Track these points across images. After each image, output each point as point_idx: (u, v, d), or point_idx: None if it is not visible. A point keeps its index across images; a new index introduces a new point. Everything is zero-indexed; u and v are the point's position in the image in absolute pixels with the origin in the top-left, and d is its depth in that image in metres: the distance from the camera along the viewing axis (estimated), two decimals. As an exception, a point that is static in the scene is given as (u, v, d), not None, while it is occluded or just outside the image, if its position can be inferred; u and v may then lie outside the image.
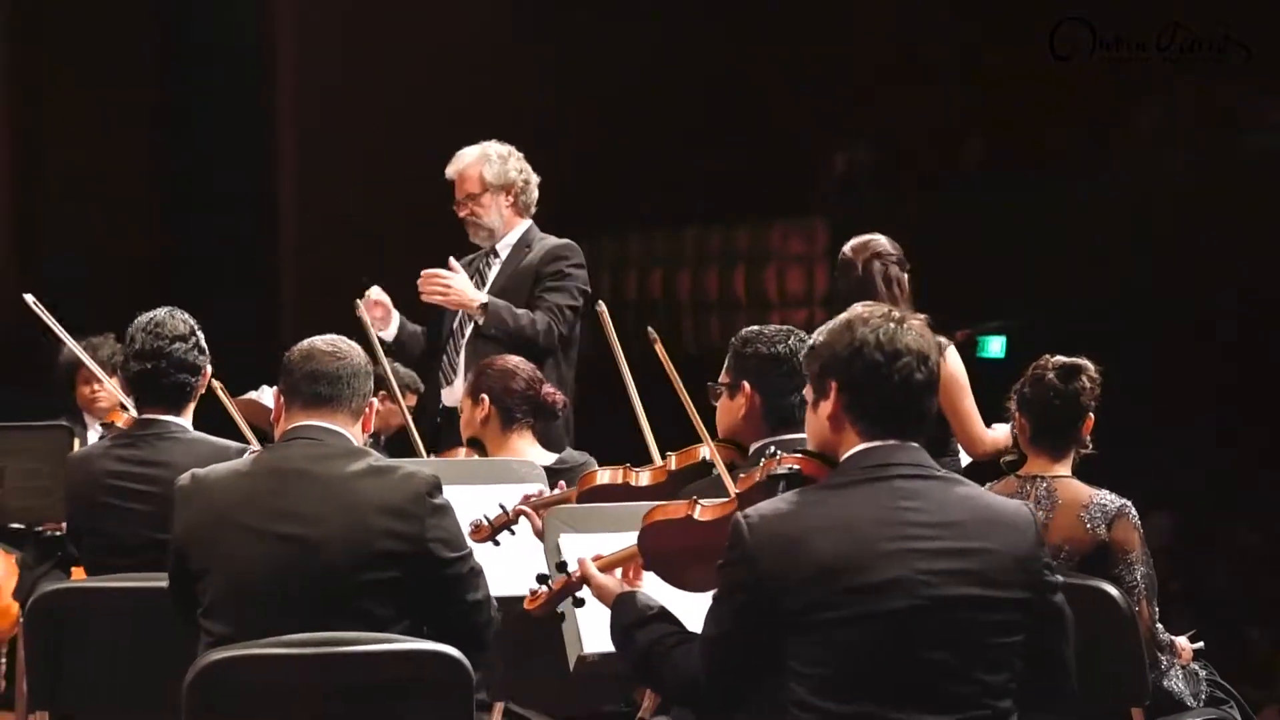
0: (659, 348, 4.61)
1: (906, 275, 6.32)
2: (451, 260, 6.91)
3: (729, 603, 3.47)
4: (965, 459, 6.25)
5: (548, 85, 11.26)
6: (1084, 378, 5.23)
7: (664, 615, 3.73)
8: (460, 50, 11.14)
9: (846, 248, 6.43)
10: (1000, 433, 6.21)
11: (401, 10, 11.23)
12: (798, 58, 10.74)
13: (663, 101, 11.12)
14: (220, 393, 5.90)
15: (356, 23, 11.37)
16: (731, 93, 11.10)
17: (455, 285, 6.79)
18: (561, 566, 4.01)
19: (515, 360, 6.12)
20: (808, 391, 3.63)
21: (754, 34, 10.94)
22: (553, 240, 7.03)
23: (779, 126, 10.76)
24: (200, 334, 5.34)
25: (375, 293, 6.92)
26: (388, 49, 11.23)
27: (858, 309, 3.59)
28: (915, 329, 3.54)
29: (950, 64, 10.27)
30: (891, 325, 3.52)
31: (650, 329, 4.57)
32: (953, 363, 6.09)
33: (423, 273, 6.83)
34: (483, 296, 6.79)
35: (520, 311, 6.76)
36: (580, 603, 4.00)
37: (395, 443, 8.35)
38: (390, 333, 6.95)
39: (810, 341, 3.64)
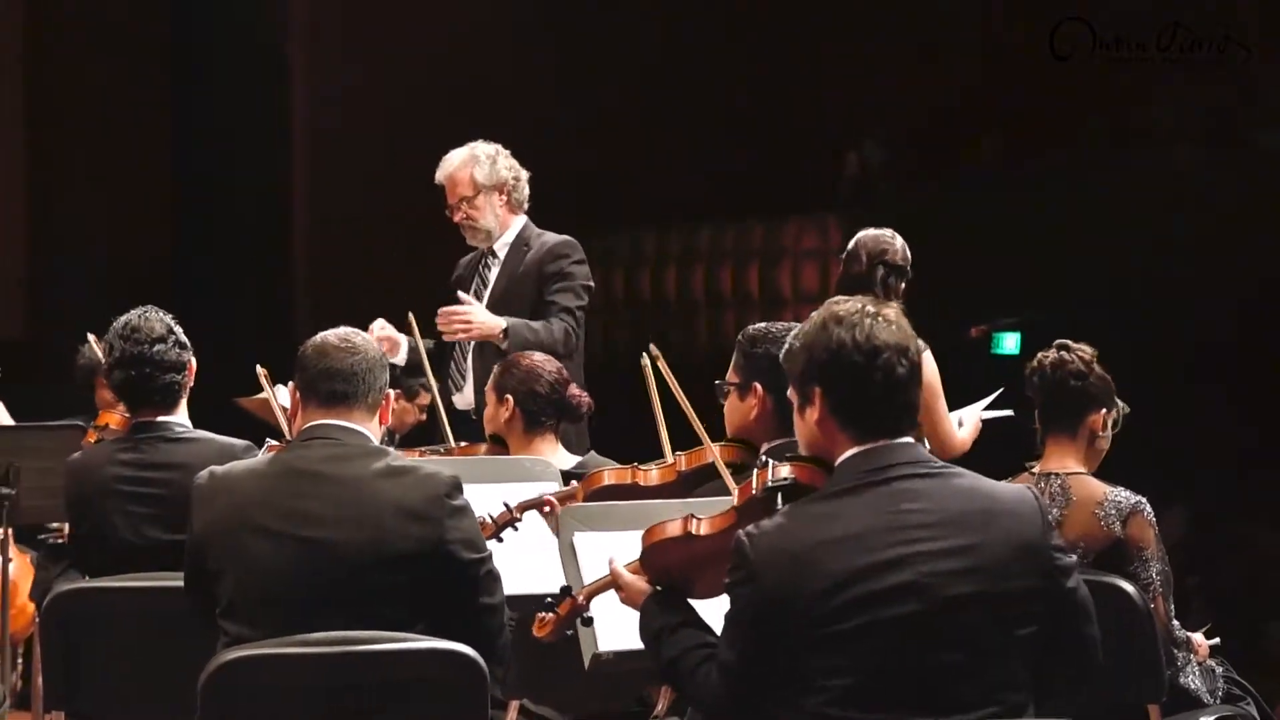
0: (662, 364, 4.58)
1: (904, 285, 6.28)
2: (461, 294, 6.89)
3: (739, 624, 3.45)
4: None
5: (561, 82, 11.26)
6: (1064, 354, 5.22)
7: (692, 622, 3.70)
8: (471, 46, 11.15)
9: (863, 236, 6.38)
10: (966, 431, 6.20)
11: (412, 7, 11.24)
12: (811, 54, 10.74)
13: (676, 99, 11.12)
14: (265, 381, 5.92)
15: (367, 20, 11.38)
16: (744, 90, 11.10)
17: (476, 319, 6.79)
18: (565, 590, 4.01)
19: (540, 359, 6.05)
20: (792, 395, 3.59)
21: (767, 31, 10.94)
22: (552, 237, 7.00)
23: (793, 123, 10.77)
24: (178, 330, 5.32)
25: (378, 329, 6.91)
26: (398, 46, 11.24)
27: (831, 307, 3.55)
28: (892, 320, 3.50)
29: (963, 62, 10.27)
30: (867, 321, 3.47)
31: (648, 351, 4.54)
32: (927, 366, 6.02)
33: (440, 311, 6.81)
34: (502, 322, 6.77)
35: (537, 325, 6.73)
36: (589, 622, 4.00)
37: (409, 441, 8.35)
38: (400, 359, 6.94)
39: (787, 345, 3.60)
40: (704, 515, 3.78)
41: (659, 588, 3.79)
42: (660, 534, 3.80)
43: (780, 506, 3.54)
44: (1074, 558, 3.53)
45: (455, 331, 6.80)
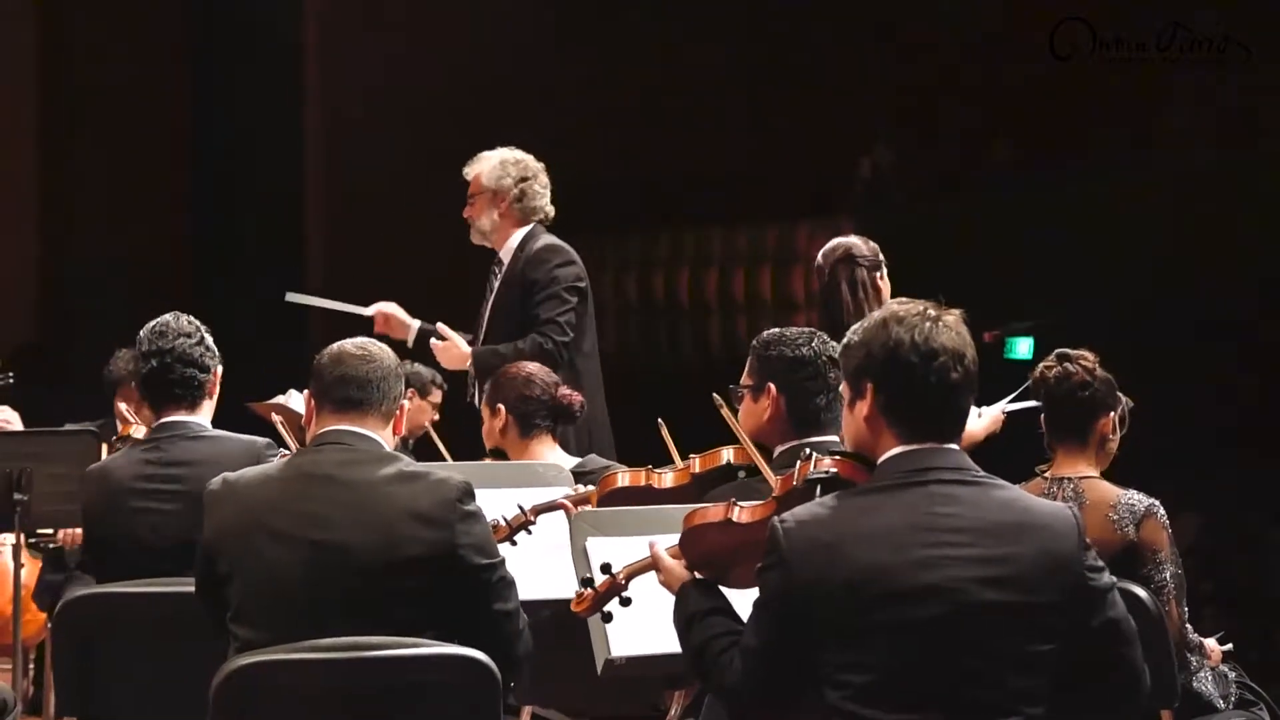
0: (725, 412, 4.57)
1: (881, 276, 6.25)
2: (441, 327, 6.97)
3: (767, 610, 3.45)
4: None
5: (576, 83, 11.26)
6: (1068, 365, 5.22)
7: (723, 610, 3.70)
8: (488, 47, 11.16)
9: (819, 253, 6.41)
10: (974, 425, 6.18)
11: (431, 9, 11.25)
12: (823, 57, 10.74)
13: (690, 102, 11.12)
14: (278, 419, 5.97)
15: (384, 15, 11.39)
16: (757, 93, 11.10)
17: (446, 355, 6.94)
18: (606, 568, 4.00)
19: (530, 366, 6.09)
20: (844, 389, 3.60)
21: (780, 34, 10.93)
22: (541, 242, 7.02)
23: (806, 126, 10.76)
24: (208, 336, 5.38)
25: (377, 308, 7.03)
26: (415, 45, 11.25)
27: (893, 306, 3.56)
28: (951, 326, 3.50)
29: (975, 64, 10.26)
30: (927, 324, 3.48)
31: (716, 396, 4.52)
32: None
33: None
34: (467, 352, 6.90)
35: (503, 348, 6.76)
36: (627, 602, 3.99)
37: (423, 445, 8.35)
38: (411, 338, 7.03)
39: (846, 339, 3.60)
40: (746, 504, 3.78)
41: (697, 574, 3.79)
42: (701, 518, 3.80)
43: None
44: (1111, 579, 3.51)
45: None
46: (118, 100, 11.73)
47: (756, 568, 3.49)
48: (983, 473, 3.51)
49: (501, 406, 5.93)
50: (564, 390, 6.01)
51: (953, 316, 3.53)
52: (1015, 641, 3.37)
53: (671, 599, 3.79)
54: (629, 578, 3.96)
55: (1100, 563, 3.51)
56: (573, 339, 6.86)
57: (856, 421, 3.55)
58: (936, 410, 3.49)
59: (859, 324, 3.59)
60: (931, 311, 3.52)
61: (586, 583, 4.00)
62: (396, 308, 7.09)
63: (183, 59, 12.20)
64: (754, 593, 3.56)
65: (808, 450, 3.81)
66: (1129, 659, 3.51)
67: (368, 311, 7.08)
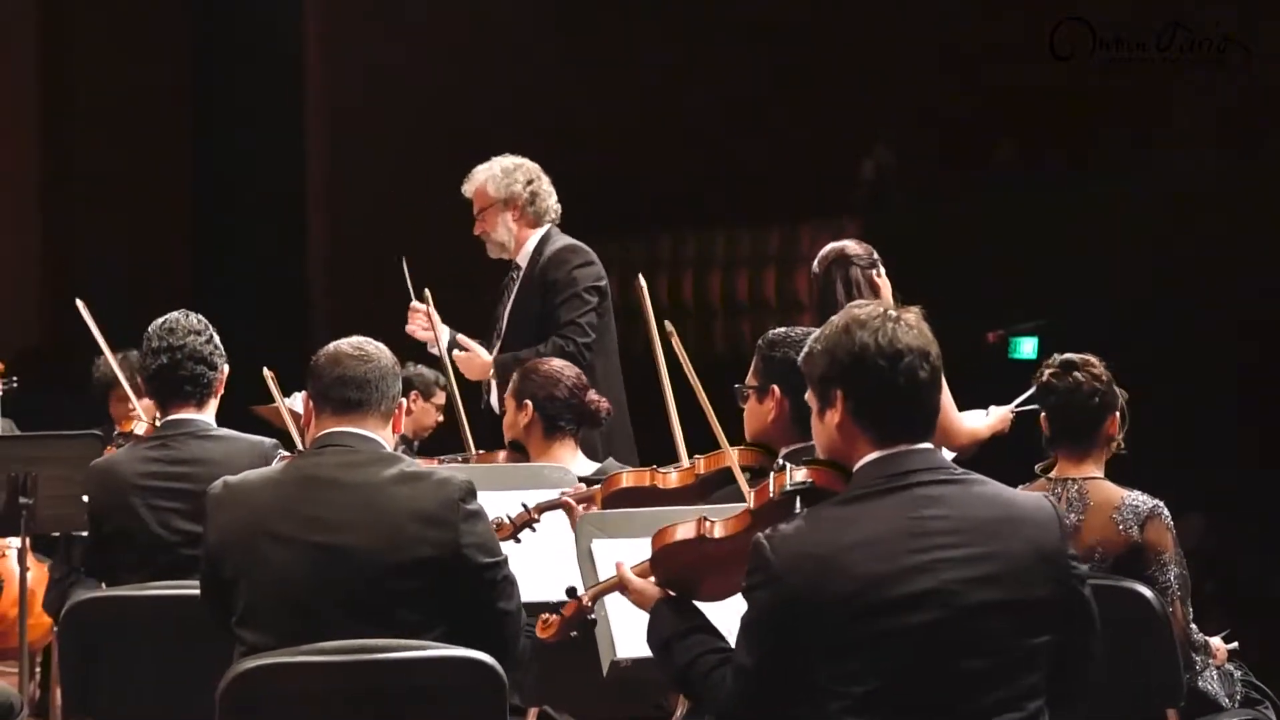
0: (676, 342, 4.58)
1: (878, 274, 6.23)
2: (460, 337, 6.92)
3: (759, 627, 3.42)
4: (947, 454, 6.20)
5: (578, 85, 11.27)
6: (1076, 374, 5.21)
7: (703, 627, 3.69)
8: (489, 49, 11.16)
9: (815, 260, 6.41)
10: (977, 422, 6.17)
11: (432, 10, 11.25)
12: (826, 60, 10.75)
13: (692, 105, 11.13)
14: (273, 384, 5.97)
15: (384, 15, 11.39)
16: (761, 95, 11.10)
17: (469, 365, 6.88)
18: (571, 592, 4.01)
19: (559, 365, 6.06)
20: (810, 399, 3.57)
21: (782, 36, 10.94)
22: (559, 243, 6.99)
23: (808, 128, 10.77)
24: (215, 335, 5.39)
25: (416, 304, 6.97)
26: (417, 45, 11.25)
27: (852, 310, 3.54)
28: (913, 324, 3.49)
29: (977, 66, 10.27)
30: (890, 325, 3.47)
31: (667, 324, 4.54)
32: None
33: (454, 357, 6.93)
34: (489, 361, 6.85)
35: (525, 354, 6.70)
36: (593, 624, 4.00)
37: (428, 446, 8.35)
38: (441, 347, 6.99)
39: (807, 348, 3.58)
40: (717, 518, 3.76)
41: (670, 591, 3.78)
42: (672, 536, 3.78)
43: (798, 510, 3.52)
44: (1084, 569, 3.54)
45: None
46: (118, 100, 11.73)
47: (743, 585, 3.45)
48: (960, 469, 3.52)
49: (529, 403, 5.91)
50: (592, 395, 5.98)
51: (913, 315, 3.52)
52: (1013, 638, 3.37)
53: None
54: (594, 599, 3.98)
55: (1074, 550, 3.53)
56: (594, 339, 6.85)
57: (828, 430, 3.53)
58: (908, 410, 3.48)
59: (819, 331, 3.57)
60: (892, 312, 3.51)
61: (552, 608, 4.00)
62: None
63: (183, 59, 12.19)
64: (725, 604, 3.55)
65: (781, 461, 3.80)
66: (1088, 650, 3.52)
67: (416, 302, 7.02)
